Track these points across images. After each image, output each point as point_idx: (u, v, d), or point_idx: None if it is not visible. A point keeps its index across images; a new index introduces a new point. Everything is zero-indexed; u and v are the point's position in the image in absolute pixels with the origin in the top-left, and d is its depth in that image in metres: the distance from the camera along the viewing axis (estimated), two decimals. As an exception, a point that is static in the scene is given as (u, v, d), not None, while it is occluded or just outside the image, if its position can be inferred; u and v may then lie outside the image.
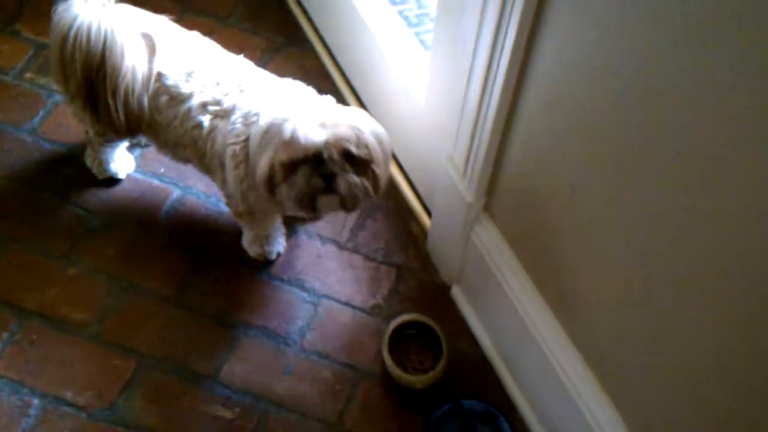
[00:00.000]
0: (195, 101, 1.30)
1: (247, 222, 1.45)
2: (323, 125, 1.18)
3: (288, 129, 1.18)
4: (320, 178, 1.18)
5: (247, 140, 1.26)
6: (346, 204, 1.23)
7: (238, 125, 1.27)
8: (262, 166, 1.22)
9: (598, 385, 1.15)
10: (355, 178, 1.20)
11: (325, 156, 1.17)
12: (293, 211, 1.35)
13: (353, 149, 1.18)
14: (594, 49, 0.90)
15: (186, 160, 1.43)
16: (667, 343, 0.96)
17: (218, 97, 1.30)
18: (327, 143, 1.17)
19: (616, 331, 1.07)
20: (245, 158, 1.27)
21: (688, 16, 0.75)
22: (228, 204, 1.43)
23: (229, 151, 1.28)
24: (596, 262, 1.06)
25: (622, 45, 0.85)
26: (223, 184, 1.37)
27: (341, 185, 1.19)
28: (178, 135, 1.35)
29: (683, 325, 0.92)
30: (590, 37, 0.90)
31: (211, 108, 1.30)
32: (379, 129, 1.26)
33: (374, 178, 1.24)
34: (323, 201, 1.22)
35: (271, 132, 1.21)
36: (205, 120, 1.30)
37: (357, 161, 1.20)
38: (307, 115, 1.20)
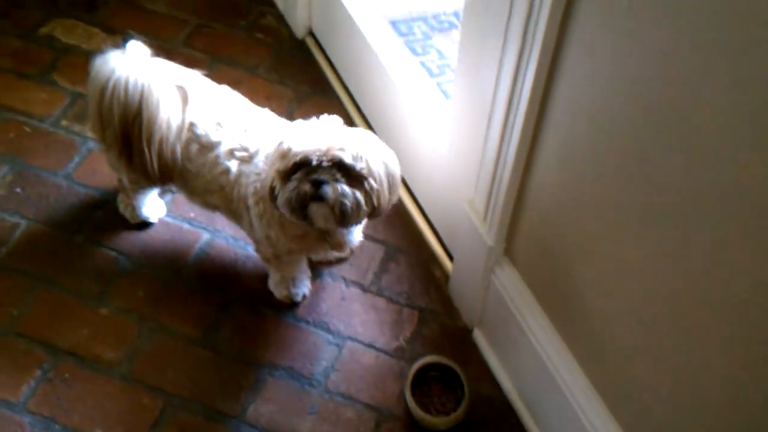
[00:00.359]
0: (223, 148, 1.35)
1: (275, 266, 1.48)
2: (318, 136, 1.22)
3: (286, 142, 1.23)
4: (309, 184, 1.21)
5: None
6: (337, 214, 1.23)
7: (260, 165, 1.32)
8: (266, 180, 1.26)
9: (620, 429, 1.15)
10: (346, 188, 1.22)
11: (314, 162, 1.20)
12: (309, 246, 1.38)
13: (345, 159, 1.20)
14: (609, 94, 0.93)
15: (215, 207, 1.46)
16: (692, 385, 0.96)
17: (245, 143, 1.35)
18: (317, 150, 1.20)
19: (639, 376, 1.07)
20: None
21: (700, 62, 0.78)
22: (257, 250, 1.47)
23: (251, 189, 1.33)
24: (617, 304, 1.07)
25: (635, 91, 0.88)
26: (250, 229, 1.41)
27: (328, 192, 1.21)
28: (206, 182, 1.39)
29: (711, 367, 0.92)
30: (605, 83, 0.93)
31: (237, 153, 1.35)
32: (387, 152, 1.29)
33: (376, 197, 1.25)
34: (313, 208, 1.23)
35: (276, 151, 1.26)
36: (233, 166, 1.35)
37: (352, 174, 1.22)
38: (305, 130, 1.24)
